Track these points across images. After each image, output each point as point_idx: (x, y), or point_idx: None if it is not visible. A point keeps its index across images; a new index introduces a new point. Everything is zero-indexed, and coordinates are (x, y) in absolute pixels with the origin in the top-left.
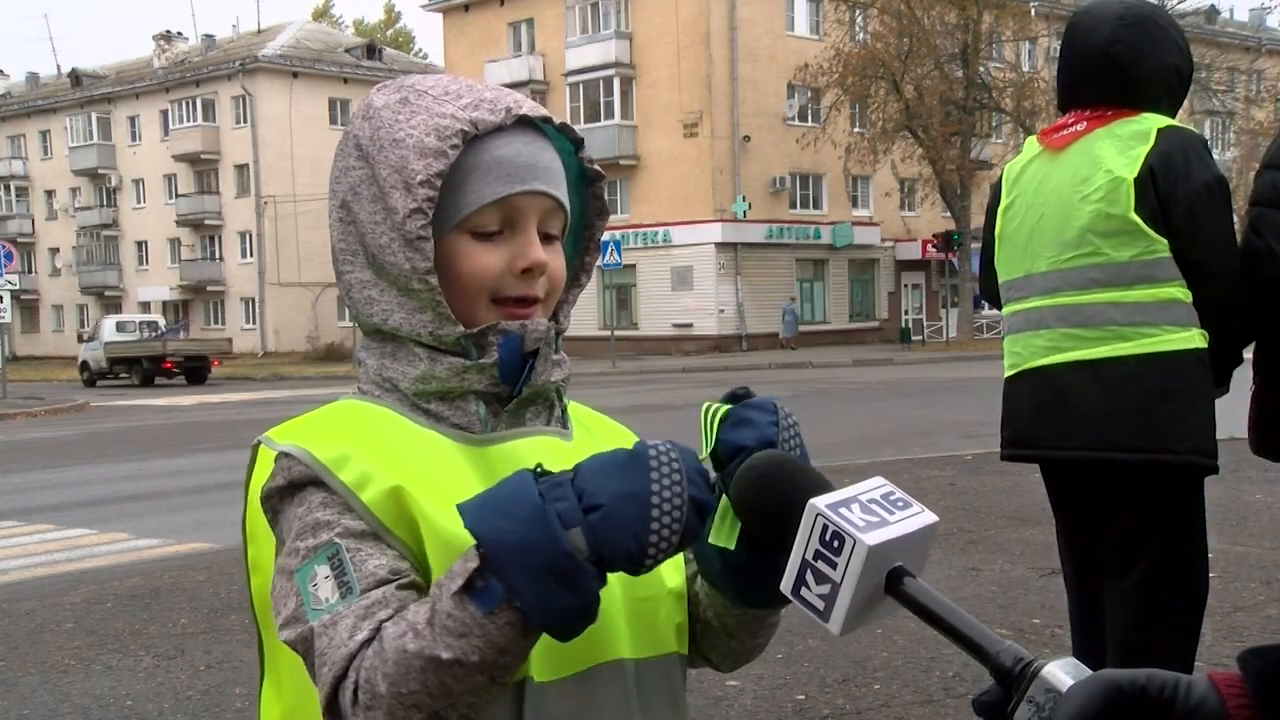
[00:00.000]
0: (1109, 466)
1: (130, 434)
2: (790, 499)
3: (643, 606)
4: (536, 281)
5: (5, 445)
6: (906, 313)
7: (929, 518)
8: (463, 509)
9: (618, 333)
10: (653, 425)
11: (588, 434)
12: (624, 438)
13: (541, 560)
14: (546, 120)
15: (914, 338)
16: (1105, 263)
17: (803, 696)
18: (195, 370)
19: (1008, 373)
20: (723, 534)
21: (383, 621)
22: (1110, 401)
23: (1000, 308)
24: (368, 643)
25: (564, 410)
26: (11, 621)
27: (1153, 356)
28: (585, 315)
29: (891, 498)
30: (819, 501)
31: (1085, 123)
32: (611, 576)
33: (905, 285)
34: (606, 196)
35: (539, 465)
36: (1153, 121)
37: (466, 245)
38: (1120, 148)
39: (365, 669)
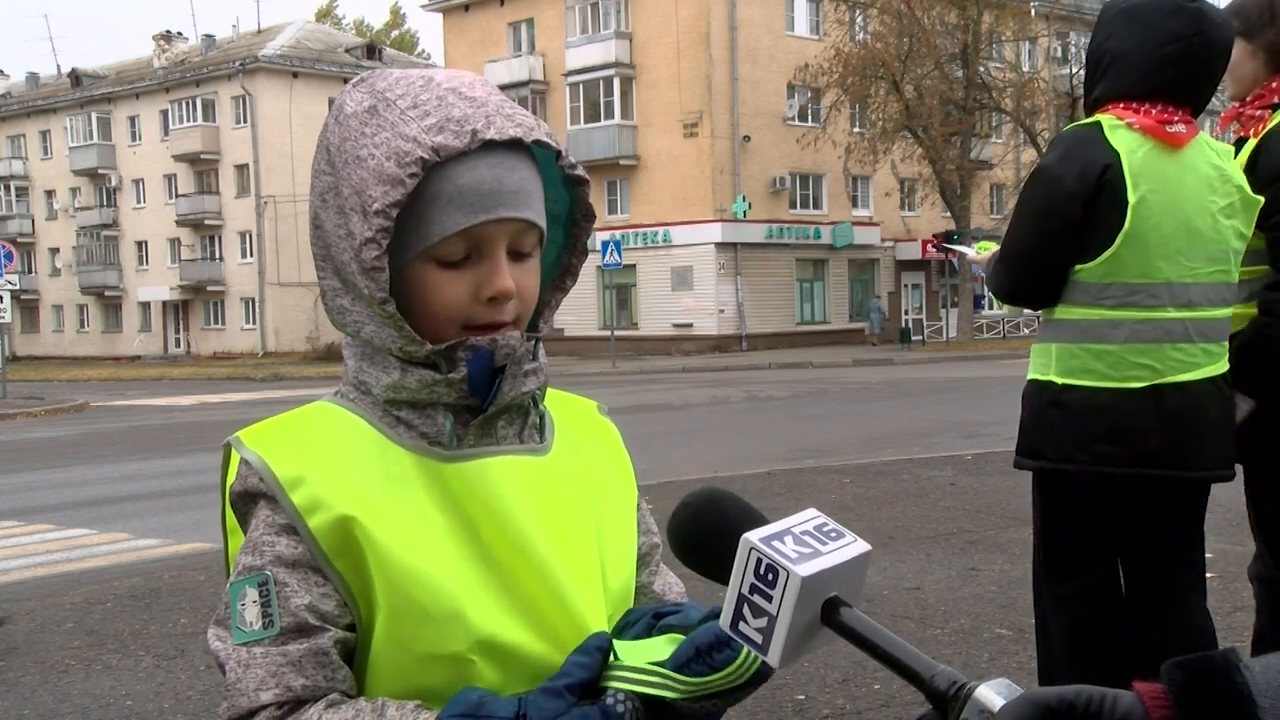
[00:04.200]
0: (1205, 482)
1: (130, 434)
2: (725, 534)
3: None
4: (505, 307)
5: (5, 445)
6: (906, 313)
7: (861, 547)
8: None
9: (618, 333)
10: (653, 425)
11: (565, 440)
12: (599, 430)
13: None
14: (517, 141)
15: (914, 338)
16: (1231, 281)
17: (803, 696)
18: None
19: (1132, 385)
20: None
21: (291, 687)
22: (1227, 418)
23: (1041, 306)
24: (276, 706)
25: (541, 417)
26: (11, 622)
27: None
28: (585, 315)
29: (825, 529)
30: (752, 535)
31: (1184, 124)
32: (589, 589)
33: (905, 285)
34: (606, 197)
35: (524, 711)
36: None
37: (433, 274)
38: (1225, 162)
39: None
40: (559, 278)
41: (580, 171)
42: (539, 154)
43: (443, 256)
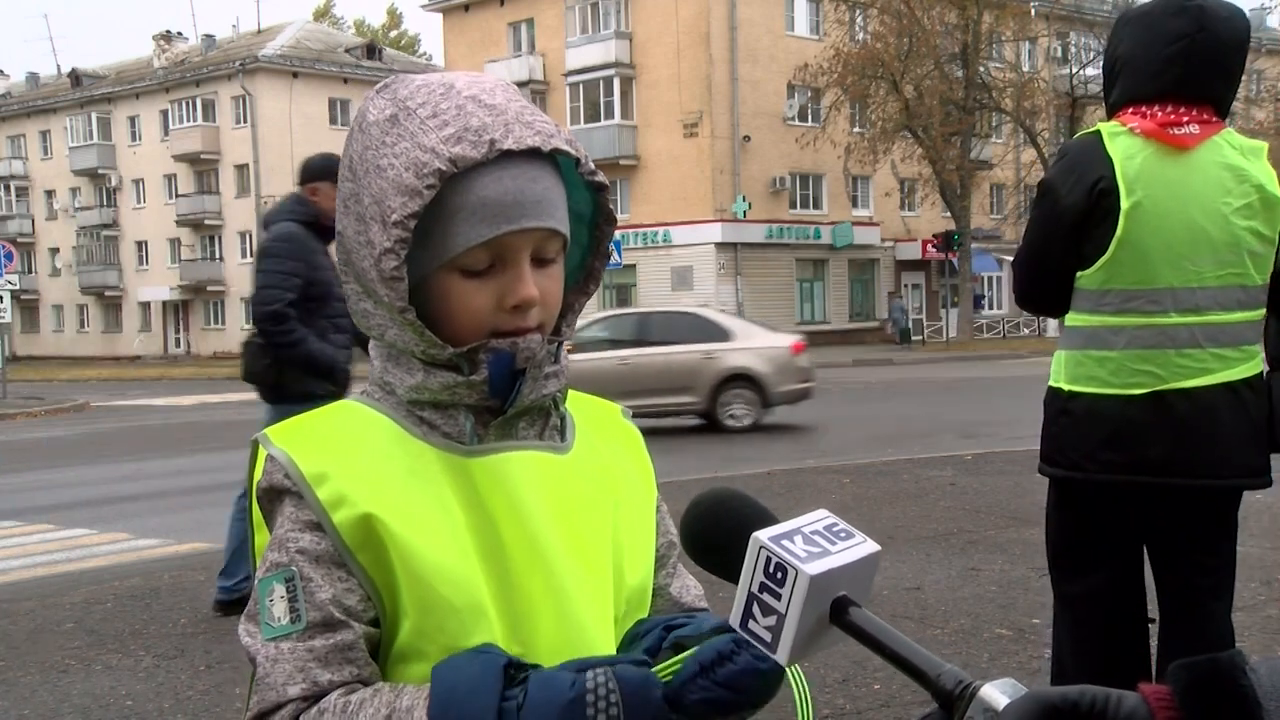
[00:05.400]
0: (1235, 490)
1: (130, 434)
2: (736, 533)
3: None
4: (529, 314)
5: (5, 445)
6: (906, 313)
7: (871, 547)
8: (437, 675)
9: None
10: (653, 424)
11: (586, 441)
12: (621, 433)
13: None
14: (535, 150)
15: (914, 338)
16: (1249, 284)
17: None
18: None
19: (1134, 391)
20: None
21: (318, 681)
22: (1248, 424)
23: (1054, 314)
24: (302, 699)
25: (562, 419)
26: (11, 621)
27: (1260, 375)
28: (585, 315)
29: (834, 529)
30: (762, 534)
31: (1197, 125)
32: (598, 593)
33: (905, 285)
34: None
35: (510, 661)
36: (1243, 137)
37: (457, 284)
38: (1249, 161)
39: None
40: (582, 281)
41: (600, 177)
42: (559, 157)
43: (467, 266)
